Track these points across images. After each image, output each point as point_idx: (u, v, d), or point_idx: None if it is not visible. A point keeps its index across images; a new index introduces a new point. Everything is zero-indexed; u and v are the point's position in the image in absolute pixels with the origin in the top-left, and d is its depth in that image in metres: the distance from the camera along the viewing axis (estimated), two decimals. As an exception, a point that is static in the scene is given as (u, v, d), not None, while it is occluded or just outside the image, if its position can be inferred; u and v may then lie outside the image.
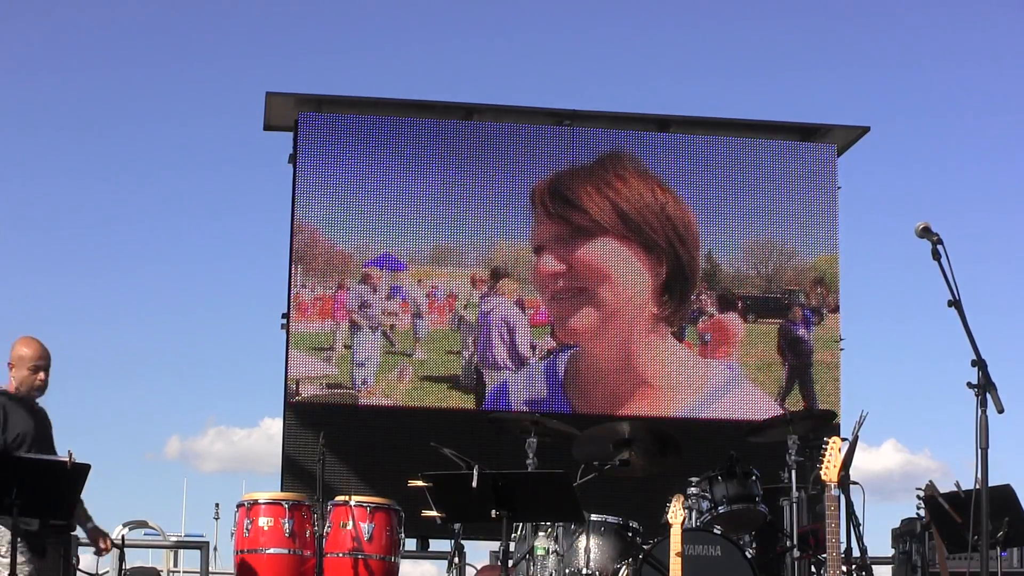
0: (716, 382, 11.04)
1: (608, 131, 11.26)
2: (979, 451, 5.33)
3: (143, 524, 12.04)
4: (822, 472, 6.03)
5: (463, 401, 10.84)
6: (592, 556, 7.78)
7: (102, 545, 7.28)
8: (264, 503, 7.99)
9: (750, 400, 11.02)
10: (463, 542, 8.63)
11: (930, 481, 8.18)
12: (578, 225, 11.00)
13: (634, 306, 10.95)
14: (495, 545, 9.28)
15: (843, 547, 7.31)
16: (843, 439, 6.41)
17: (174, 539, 14.98)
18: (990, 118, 16.31)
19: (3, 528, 6.67)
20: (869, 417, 7.66)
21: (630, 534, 7.92)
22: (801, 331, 11.23)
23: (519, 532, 7.96)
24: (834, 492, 6.00)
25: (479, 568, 8.88)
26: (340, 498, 8.20)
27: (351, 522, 8.02)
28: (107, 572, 9.47)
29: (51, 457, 6.99)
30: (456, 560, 8.56)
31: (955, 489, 7.93)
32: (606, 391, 10.92)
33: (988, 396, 5.32)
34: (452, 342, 10.92)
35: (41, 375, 6.97)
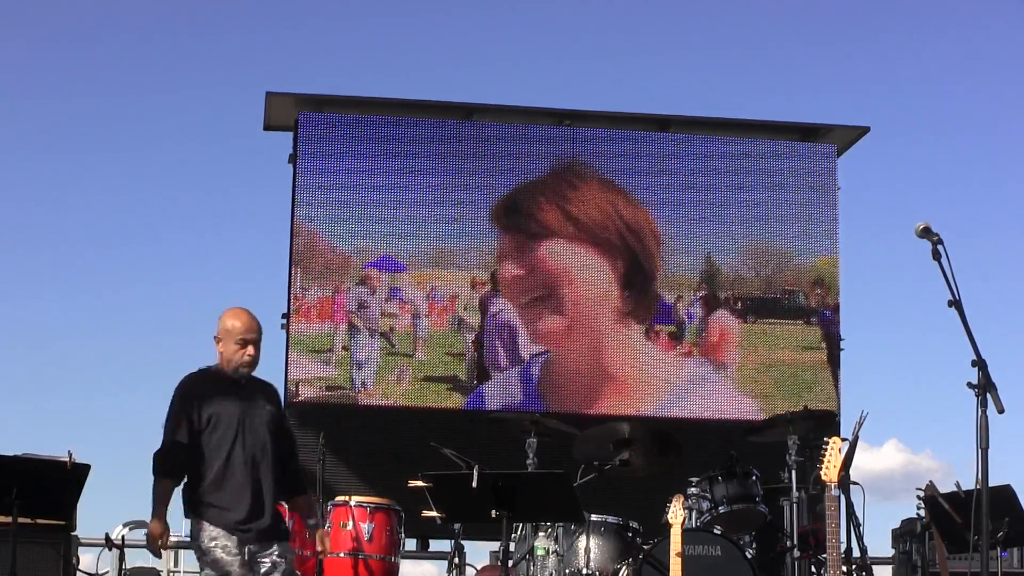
0: (716, 383, 11.01)
1: (608, 131, 11.24)
2: (979, 451, 5.33)
3: (144, 524, 12.00)
4: (822, 472, 6.02)
5: (463, 402, 10.82)
6: (592, 556, 7.78)
7: (322, 546, 6.76)
8: (264, 503, 7.96)
9: (750, 400, 11.01)
10: (463, 542, 8.63)
11: (930, 481, 8.19)
12: (534, 234, 10.91)
13: (605, 306, 10.89)
14: (495, 545, 9.27)
15: (843, 547, 7.31)
16: (843, 439, 6.41)
17: (175, 539, 14.94)
18: (991, 118, 16.29)
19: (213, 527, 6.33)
20: (871, 417, 7.67)
21: (630, 534, 7.91)
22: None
23: (519, 532, 7.96)
24: (834, 492, 6.00)
25: (479, 568, 8.87)
26: (340, 498, 8.21)
27: (351, 522, 8.03)
28: (107, 572, 9.45)
29: (51, 457, 6.96)
30: (456, 560, 8.56)
31: (955, 489, 7.93)
32: (605, 392, 10.90)
33: (988, 396, 5.32)
34: (452, 343, 10.90)
35: (250, 349, 6.21)
